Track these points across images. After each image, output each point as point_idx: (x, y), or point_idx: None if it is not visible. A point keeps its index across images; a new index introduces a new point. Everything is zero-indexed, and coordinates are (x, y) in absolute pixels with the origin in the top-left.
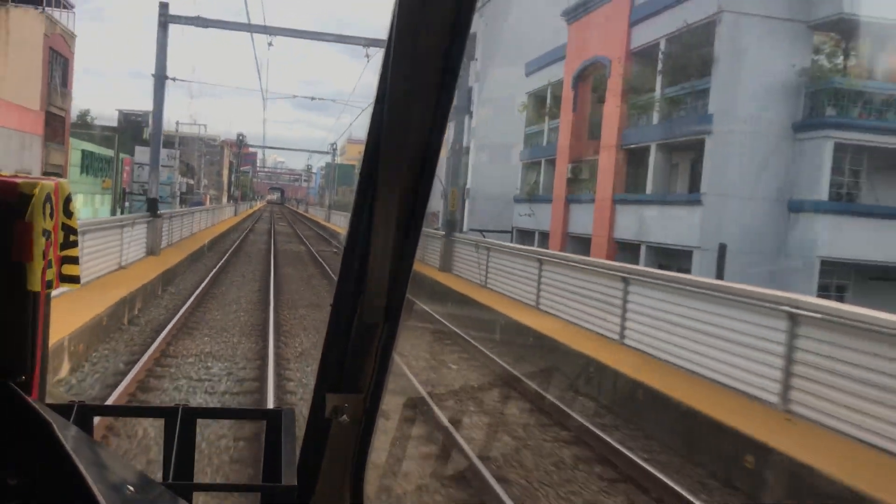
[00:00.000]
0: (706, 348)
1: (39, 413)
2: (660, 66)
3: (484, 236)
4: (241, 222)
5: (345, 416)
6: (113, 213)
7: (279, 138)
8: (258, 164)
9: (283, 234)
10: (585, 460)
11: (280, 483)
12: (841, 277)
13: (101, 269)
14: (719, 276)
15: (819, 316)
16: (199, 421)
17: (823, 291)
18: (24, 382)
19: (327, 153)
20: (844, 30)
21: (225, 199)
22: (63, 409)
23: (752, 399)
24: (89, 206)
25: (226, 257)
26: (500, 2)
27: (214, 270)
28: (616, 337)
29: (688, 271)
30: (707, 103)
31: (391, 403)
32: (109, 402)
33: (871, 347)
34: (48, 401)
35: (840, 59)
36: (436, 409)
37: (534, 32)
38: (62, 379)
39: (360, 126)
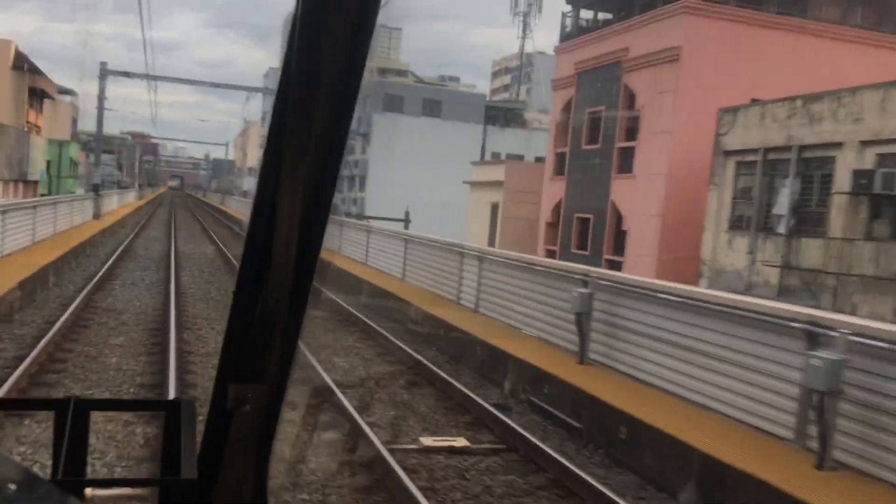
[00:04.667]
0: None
1: None
2: None
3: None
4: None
5: (248, 407)
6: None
7: (178, 122)
8: (160, 155)
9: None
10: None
11: (179, 477)
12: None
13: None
14: None
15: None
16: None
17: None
18: None
19: (204, 160)
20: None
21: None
22: None
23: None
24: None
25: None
26: None
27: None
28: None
29: None
30: None
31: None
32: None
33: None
34: None
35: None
36: None
37: None
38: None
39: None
